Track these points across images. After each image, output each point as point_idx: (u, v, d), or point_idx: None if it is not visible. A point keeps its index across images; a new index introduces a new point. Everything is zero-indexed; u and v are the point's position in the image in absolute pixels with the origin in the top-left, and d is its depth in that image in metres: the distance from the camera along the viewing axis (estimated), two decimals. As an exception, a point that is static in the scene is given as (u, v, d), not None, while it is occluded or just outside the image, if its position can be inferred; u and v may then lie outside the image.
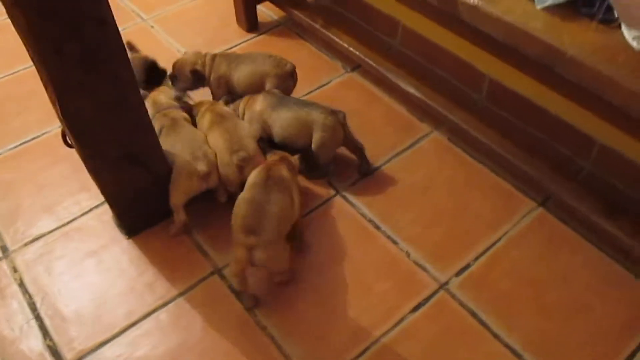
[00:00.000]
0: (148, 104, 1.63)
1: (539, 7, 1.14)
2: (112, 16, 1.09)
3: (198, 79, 1.77)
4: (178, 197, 1.47)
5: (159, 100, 1.64)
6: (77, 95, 1.14)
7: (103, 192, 1.40)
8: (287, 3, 2.10)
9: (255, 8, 2.15)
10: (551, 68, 1.12)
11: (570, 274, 1.42)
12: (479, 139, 1.61)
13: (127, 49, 1.81)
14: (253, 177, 1.40)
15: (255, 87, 1.73)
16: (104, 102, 1.20)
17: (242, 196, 1.36)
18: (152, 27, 2.23)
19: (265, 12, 2.27)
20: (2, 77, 1.99)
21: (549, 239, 1.49)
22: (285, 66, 1.72)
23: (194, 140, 1.51)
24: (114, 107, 1.23)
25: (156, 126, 1.51)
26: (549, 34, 1.10)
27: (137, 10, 2.32)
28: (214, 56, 1.78)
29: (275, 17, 2.25)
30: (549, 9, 1.14)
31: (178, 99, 1.70)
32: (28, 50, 1.08)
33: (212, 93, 1.81)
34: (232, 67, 1.76)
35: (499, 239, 1.49)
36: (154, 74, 1.84)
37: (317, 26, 1.98)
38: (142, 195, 1.44)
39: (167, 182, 1.46)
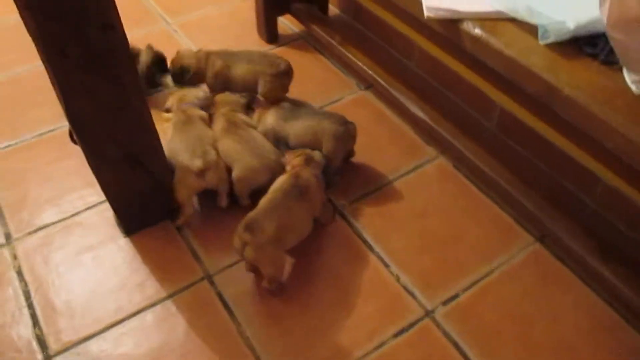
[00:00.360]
0: (173, 99, 1.70)
1: (541, 42, 1.13)
2: (120, 22, 1.13)
3: (185, 73, 1.83)
4: (181, 192, 1.51)
5: (184, 97, 1.71)
6: (79, 96, 1.18)
7: (104, 190, 1.44)
8: (306, 17, 2.13)
9: (276, 20, 2.19)
10: (549, 106, 1.11)
11: (560, 314, 1.39)
12: (483, 168, 1.60)
13: (146, 48, 1.91)
14: (280, 181, 1.44)
15: (252, 85, 1.80)
16: (106, 104, 1.24)
17: (266, 195, 1.42)
18: (175, 31, 2.29)
19: (287, 24, 2.30)
20: (24, 70, 2.07)
21: (543, 276, 1.46)
22: (279, 65, 1.77)
23: (199, 138, 1.55)
24: (116, 109, 1.26)
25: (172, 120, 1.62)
26: (548, 71, 1.09)
27: (163, 14, 2.38)
28: (209, 54, 1.84)
29: (296, 30, 2.28)
30: (552, 46, 1.13)
31: (203, 99, 1.75)
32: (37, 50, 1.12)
33: (209, 89, 1.86)
34: (229, 64, 1.82)
35: (492, 272, 1.47)
36: (159, 67, 1.93)
37: (334, 43, 2.00)
38: (142, 196, 1.48)
39: (168, 183, 1.49)
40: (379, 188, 1.69)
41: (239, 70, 1.81)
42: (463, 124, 1.73)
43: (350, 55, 1.95)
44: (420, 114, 1.76)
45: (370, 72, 1.89)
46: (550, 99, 1.10)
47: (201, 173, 1.48)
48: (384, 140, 1.83)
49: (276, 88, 1.78)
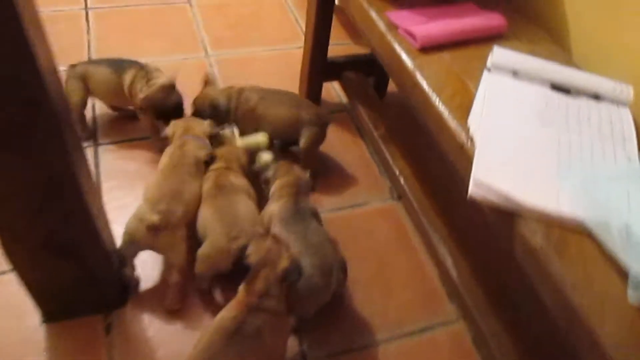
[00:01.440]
0: (177, 128, 1.46)
1: (630, 300, 0.73)
2: (47, 97, 0.83)
3: (216, 113, 1.55)
4: (125, 238, 1.24)
5: (190, 129, 1.45)
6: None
7: (19, 275, 1.13)
8: (355, 91, 1.78)
9: (321, 85, 1.85)
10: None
11: None
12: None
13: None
14: (223, 320, 1.06)
15: (291, 132, 1.55)
16: (27, 188, 0.94)
17: (205, 333, 1.04)
18: (210, 65, 2.00)
19: (335, 89, 1.96)
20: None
21: None
22: (325, 118, 1.59)
23: (174, 190, 1.29)
24: (41, 195, 0.97)
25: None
26: (625, 349, 0.69)
27: (206, 42, 2.10)
28: (242, 90, 1.58)
29: (343, 100, 1.93)
30: (643, 306, 0.73)
31: (213, 136, 1.48)
32: None
33: (239, 129, 1.56)
34: (265, 104, 1.56)
35: None
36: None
37: (376, 135, 1.64)
38: (68, 287, 1.18)
39: (99, 275, 1.20)
40: (369, 345, 1.30)
41: (278, 114, 1.55)
42: (500, 293, 1.33)
43: (388, 156, 1.59)
44: (448, 261, 1.37)
45: (405, 186, 1.52)
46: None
47: (154, 230, 1.21)
48: (398, 277, 1.45)
49: (319, 142, 1.59)
